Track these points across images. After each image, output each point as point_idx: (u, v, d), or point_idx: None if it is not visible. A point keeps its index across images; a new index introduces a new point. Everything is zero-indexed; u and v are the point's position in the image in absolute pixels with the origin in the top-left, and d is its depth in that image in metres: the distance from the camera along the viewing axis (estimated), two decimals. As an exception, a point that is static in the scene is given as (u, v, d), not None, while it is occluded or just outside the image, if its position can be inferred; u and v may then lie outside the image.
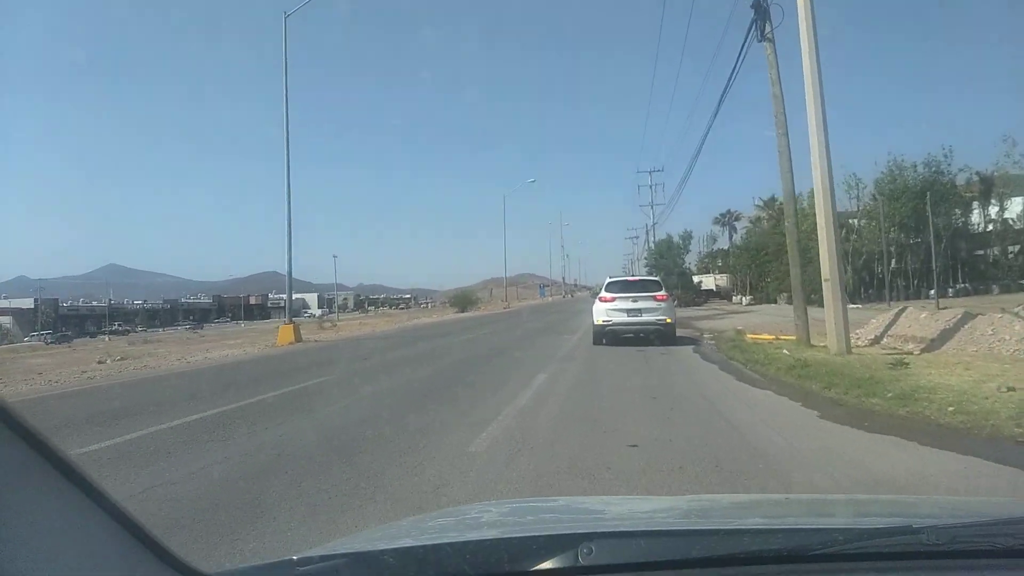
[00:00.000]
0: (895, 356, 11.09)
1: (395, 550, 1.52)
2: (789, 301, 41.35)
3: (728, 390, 9.52)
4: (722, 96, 22.24)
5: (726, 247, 76.95)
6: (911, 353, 11.55)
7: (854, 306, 30.98)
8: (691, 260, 71.38)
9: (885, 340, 13.16)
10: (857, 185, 37.28)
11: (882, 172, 37.40)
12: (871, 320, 14.48)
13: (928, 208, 29.77)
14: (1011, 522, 1.56)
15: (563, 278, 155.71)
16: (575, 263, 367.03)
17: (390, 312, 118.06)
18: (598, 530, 1.62)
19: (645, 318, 17.96)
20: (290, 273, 23.16)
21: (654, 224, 63.61)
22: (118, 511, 1.06)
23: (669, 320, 18.14)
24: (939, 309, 16.38)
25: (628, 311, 18.13)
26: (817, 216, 12.24)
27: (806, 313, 13.59)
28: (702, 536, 1.60)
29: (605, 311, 18.17)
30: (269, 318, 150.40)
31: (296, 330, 22.63)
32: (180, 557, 1.16)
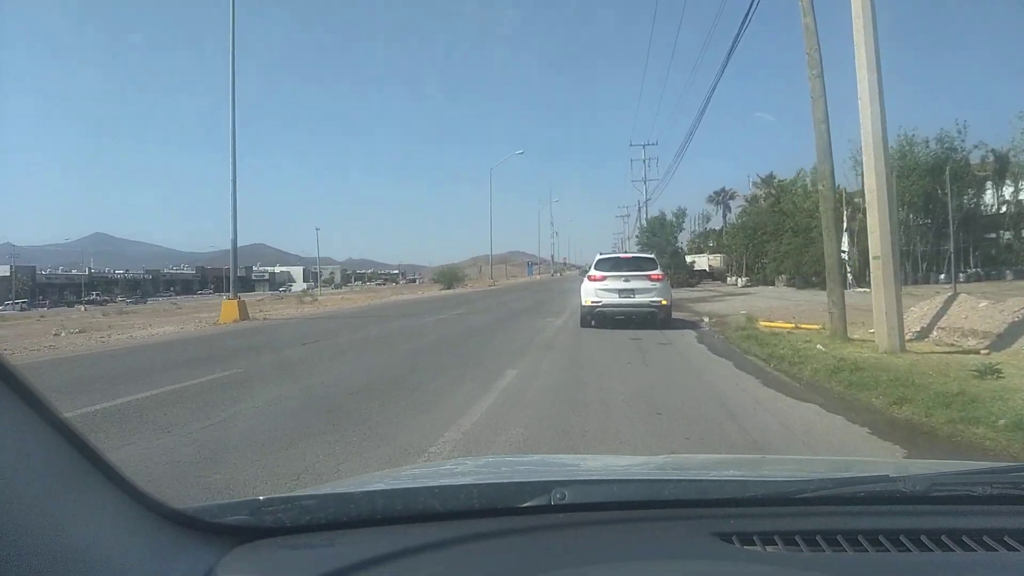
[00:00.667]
0: (967, 356, 8.69)
1: (366, 491, 1.50)
2: (789, 283, 39.40)
3: (757, 401, 7.06)
4: (728, 54, 19.46)
5: (719, 227, 74.39)
6: (977, 352, 9.14)
7: (861, 290, 28.72)
8: (683, 240, 68.97)
9: (935, 333, 10.75)
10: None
11: (891, 147, 34.66)
12: (909, 308, 12.05)
13: (948, 185, 27.31)
14: (987, 471, 1.59)
15: (552, 256, 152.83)
16: (564, 241, 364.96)
17: (375, 288, 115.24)
18: (572, 478, 1.64)
19: (638, 299, 15.98)
20: (235, 244, 20.28)
21: (647, 200, 60.92)
22: (64, 426, 0.94)
23: (665, 302, 16.11)
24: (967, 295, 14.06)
25: (620, 291, 16.04)
26: (866, 175, 9.73)
27: (843, 298, 11.11)
28: (676, 482, 1.56)
29: (594, 291, 16.10)
30: (253, 291, 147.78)
31: (241, 307, 19.87)
32: (141, 487, 1.06)
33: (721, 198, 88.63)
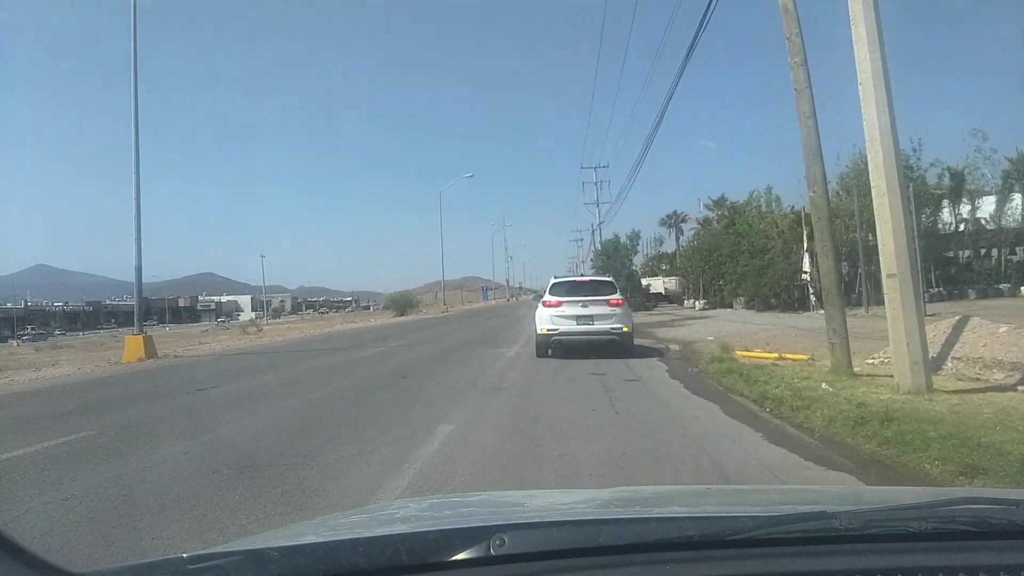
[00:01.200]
0: (1004, 395, 7.00)
1: (284, 547, 1.43)
2: (748, 305, 38.04)
3: (765, 467, 5.19)
4: (684, 61, 17.93)
5: (672, 250, 73.52)
6: (1015, 388, 7.47)
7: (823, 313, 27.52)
8: (637, 262, 67.83)
9: (950, 364, 9.08)
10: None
11: (847, 166, 33.44)
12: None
13: (911, 203, 26.34)
14: (922, 507, 1.57)
15: (507, 281, 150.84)
16: (519, 266, 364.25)
17: (325, 316, 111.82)
18: (512, 521, 1.60)
19: (598, 326, 14.57)
20: (139, 271, 17.55)
21: (600, 223, 59.58)
22: None
23: (626, 329, 14.68)
24: (929, 316, 12.76)
25: (578, 318, 14.61)
26: (872, 175, 8.03)
27: (846, 324, 9.37)
28: (613, 524, 1.60)
29: (550, 318, 14.68)
30: (199, 321, 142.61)
31: (148, 344, 17.25)
32: (38, 555, 1.07)
33: (673, 221, 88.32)
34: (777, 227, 34.78)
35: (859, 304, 29.81)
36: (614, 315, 14.64)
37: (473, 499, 2.63)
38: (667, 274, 63.25)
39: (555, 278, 15.93)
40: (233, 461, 5.76)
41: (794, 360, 11.34)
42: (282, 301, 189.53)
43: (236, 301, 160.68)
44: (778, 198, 42.80)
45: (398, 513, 2.06)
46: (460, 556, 1.28)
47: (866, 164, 8.69)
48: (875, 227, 8.33)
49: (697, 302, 45.62)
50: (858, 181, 31.81)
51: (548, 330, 14.68)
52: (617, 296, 15.12)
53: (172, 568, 1.22)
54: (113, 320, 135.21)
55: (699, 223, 62.00)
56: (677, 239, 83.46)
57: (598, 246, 61.37)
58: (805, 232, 32.74)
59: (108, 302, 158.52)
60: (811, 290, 28.70)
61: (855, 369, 9.20)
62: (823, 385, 8.02)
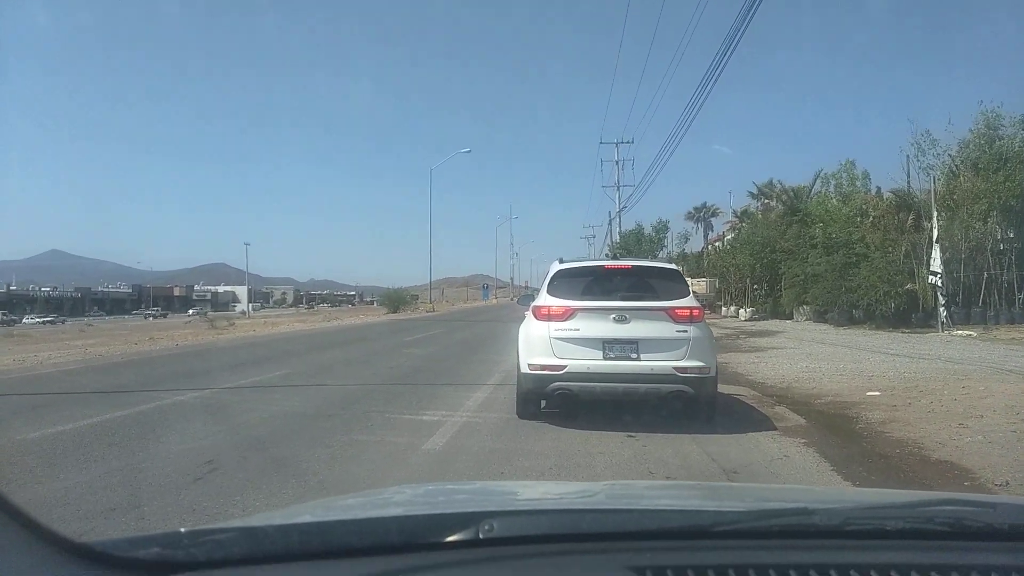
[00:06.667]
0: None
1: (279, 526, 1.46)
2: (820, 317, 28.89)
3: None
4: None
5: (699, 248, 64.63)
6: None
7: (963, 332, 19.26)
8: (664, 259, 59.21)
9: None
10: (930, 150, 24.91)
11: (970, 131, 24.34)
12: None
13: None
14: (901, 506, 1.62)
15: (511, 279, 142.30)
16: (526, 263, 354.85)
17: (321, 310, 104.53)
18: (503, 508, 1.66)
19: (648, 362, 6.91)
20: None
21: (620, 210, 51.20)
22: None
23: (707, 371, 6.96)
24: None
25: (606, 343, 7.01)
26: None
27: None
28: (598, 513, 1.63)
29: (548, 342, 7.12)
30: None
31: None
32: (46, 524, 1.13)
33: (703, 215, 79.49)
34: (869, 214, 26.22)
35: (996, 320, 21.55)
36: (682, 340, 6.93)
37: (467, 487, 2.72)
38: (694, 275, 54.58)
39: (559, 263, 7.90)
40: None
41: None
42: (283, 293, 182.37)
43: (233, 292, 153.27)
44: (866, 174, 33.17)
45: (394, 498, 2.08)
46: (451, 538, 1.31)
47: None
48: None
49: (741, 310, 37.26)
50: (989, 153, 23.35)
51: (544, 367, 7.00)
52: (688, 301, 7.21)
53: (170, 541, 1.25)
54: (102, 307, 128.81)
55: (736, 215, 53.56)
56: (706, 235, 74.98)
57: (617, 238, 53.05)
58: (909, 220, 24.55)
59: (99, 288, 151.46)
60: (940, 300, 20.36)
61: None
62: None
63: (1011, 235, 23.61)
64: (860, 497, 2.30)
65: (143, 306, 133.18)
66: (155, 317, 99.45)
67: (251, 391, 9.89)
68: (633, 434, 6.48)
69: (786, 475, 5.30)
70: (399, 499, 2.05)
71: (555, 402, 7.36)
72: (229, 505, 4.51)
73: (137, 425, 7.16)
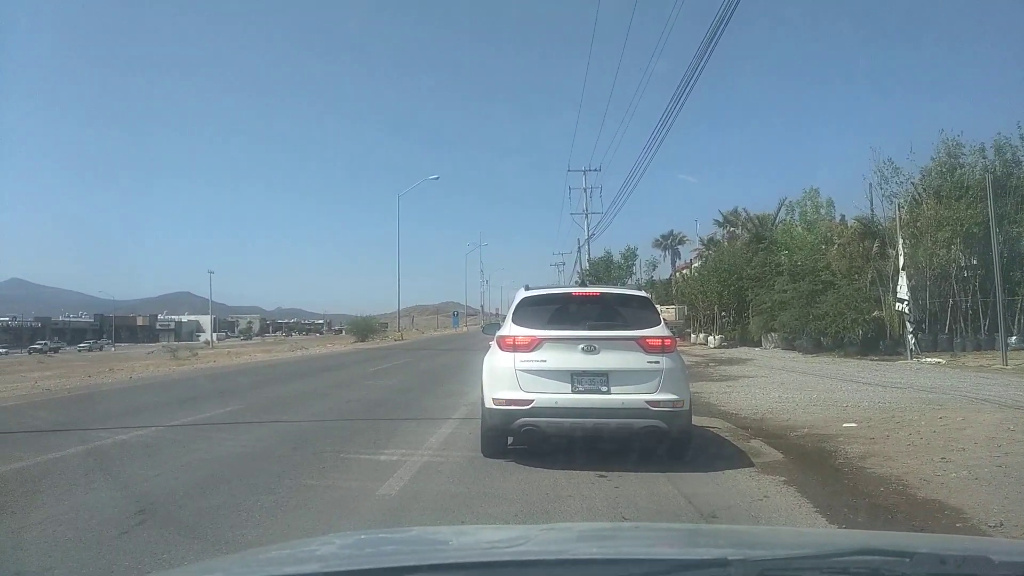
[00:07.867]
0: None
1: None
2: (788, 345, 28.73)
3: None
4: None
5: (667, 276, 64.88)
6: None
7: (932, 360, 19.22)
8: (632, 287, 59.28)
9: None
10: (893, 178, 25.12)
11: (931, 159, 24.46)
12: None
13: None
14: (818, 557, 1.60)
15: (482, 306, 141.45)
16: (496, 290, 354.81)
17: (284, 339, 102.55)
18: (424, 563, 1.67)
19: (618, 395, 6.49)
20: None
21: (589, 237, 51.15)
22: None
23: (680, 404, 6.56)
24: None
25: (574, 375, 6.59)
26: None
27: None
28: (513, 567, 1.66)
29: (513, 373, 6.68)
30: (156, 340, 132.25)
31: None
32: None
33: (669, 242, 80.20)
34: (834, 242, 26.30)
35: (963, 347, 21.63)
36: (655, 372, 6.56)
37: (399, 536, 2.67)
38: (661, 301, 54.59)
39: (525, 290, 7.53)
40: None
41: None
42: (249, 322, 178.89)
43: (197, 321, 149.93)
44: (830, 202, 33.32)
45: (319, 551, 2.05)
46: None
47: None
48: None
49: (711, 337, 37.27)
50: (951, 181, 23.59)
51: (510, 401, 6.56)
52: (660, 330, 6.87)
53: None
54: (57, 337, 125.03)
55: (703, 243, 53.87)
56: (673, 262, 75.47)
57: (586, 265, 52.98)
58: (874, 247, 24.71)
59: (60, 318, 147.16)
60: (908, 327, 20.33)
61: None
62: None
63: (974, 262, 23.83)
64: (781, 540, 2.28)
65: (105, 337, 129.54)
66: (90, 350, 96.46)
67: (199, 428, 9.30)
68: (604, 474, 6.10)
69: (767, 518, 4.96)
70: (323, 552, 2.00)
71: (522, 439, 6.97)
72: (154, 564, 4.02)
73: (68, 470, 6.59)
